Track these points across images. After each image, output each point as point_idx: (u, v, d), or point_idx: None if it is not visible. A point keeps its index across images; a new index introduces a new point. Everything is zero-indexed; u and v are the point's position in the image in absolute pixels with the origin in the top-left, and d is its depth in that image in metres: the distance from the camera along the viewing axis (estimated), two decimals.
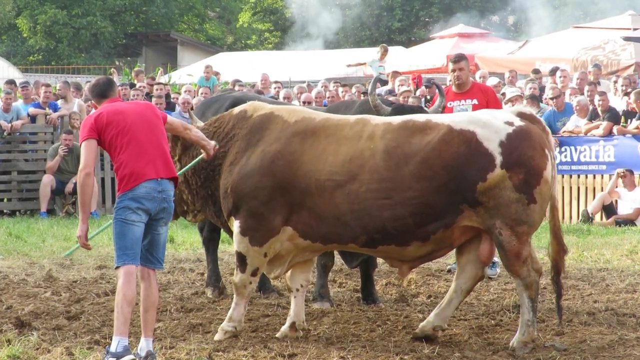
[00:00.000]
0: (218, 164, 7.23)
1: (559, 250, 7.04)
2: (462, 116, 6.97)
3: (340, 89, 17.23)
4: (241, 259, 7.09)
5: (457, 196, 6.66)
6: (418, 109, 8.03)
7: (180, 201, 7.50)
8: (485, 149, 6.66)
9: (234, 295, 7.26)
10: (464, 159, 6.65)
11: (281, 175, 6.89)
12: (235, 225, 7.07)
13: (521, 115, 6.89)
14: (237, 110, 7.42)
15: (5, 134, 15.76)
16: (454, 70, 9.23)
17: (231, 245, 8.84)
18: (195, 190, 7.42)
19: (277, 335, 7.24)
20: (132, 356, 6.28)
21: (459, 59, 9.22)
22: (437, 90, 8.57)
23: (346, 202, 6.76)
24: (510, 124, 6.78)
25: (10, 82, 17.42)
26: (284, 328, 7.30)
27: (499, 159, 6.65)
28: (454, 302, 7.10)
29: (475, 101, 9.03)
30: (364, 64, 22.39)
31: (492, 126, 6.74)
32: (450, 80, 8.86)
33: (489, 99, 9.09)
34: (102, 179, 16.01)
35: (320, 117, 7.10)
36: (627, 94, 15.35)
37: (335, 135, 6.92)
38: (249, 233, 6.98)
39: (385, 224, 6.74)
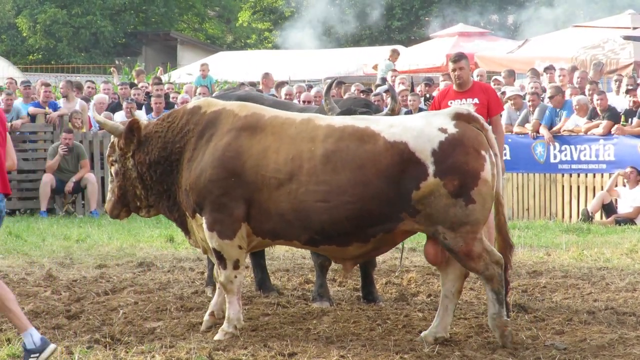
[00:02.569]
0: (175, 159, 7.24)
1: (504, 245, 7.06)
2: (398, 124, 6.89)
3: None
4: (219, 256, 7.14)
5: (396, 204, 6.72)
6: (365, 112, 8.06)
7: (133, 197, 7.49)
8: (417, 159, 6.69)
9: (225, 295, 7.27)
10: (397, 169, 6.70)
11: (231, 166, 6.96)
12: (203, 222, 7.12)
13: (458, 116, 6.87)
14: (190, 105, 7.47)
15: None
16: (454, 70, 9.19)
17: None
18: (150, 185, 7.38)
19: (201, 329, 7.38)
20: (54, 345, 6.30)
21: (459, 58, 9.19)
22: (390, 94, 8.58)
23: (287, 200, 6.85)
24: (444, 130, 6.77)
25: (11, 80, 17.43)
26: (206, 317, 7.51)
27: (431, 168, 6.67)
28: (450, 308, 7.07)
29: (476, 100, 8.99)
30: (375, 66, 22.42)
31: (425, 135, 6.74)
32: (442, 80, 8.88)
33: (489, 98, 9.07)
34: (102, 178, 15.99)
35: (270, 114, 7.18)
36: (628, 91, 15.34)
37: (280, 133, 7.00)
38: (215, 227, 7.04)
39: (324, 225, 6.83)
